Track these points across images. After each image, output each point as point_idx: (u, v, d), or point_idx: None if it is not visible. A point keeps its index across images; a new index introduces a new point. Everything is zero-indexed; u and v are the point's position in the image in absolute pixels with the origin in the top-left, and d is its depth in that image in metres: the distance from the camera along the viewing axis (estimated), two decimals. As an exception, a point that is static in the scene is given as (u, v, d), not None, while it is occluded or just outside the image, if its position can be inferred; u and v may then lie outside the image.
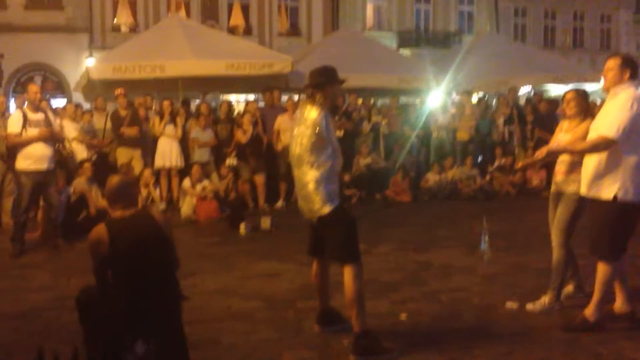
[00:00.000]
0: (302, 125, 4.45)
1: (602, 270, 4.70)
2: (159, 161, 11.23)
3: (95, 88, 12.74)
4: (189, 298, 4.22)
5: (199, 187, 10.38)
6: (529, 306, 5.28)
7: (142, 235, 3.62)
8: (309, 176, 4.40)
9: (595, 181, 4.68)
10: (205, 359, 4.34)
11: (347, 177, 11.79)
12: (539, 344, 4.54)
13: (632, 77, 4.68)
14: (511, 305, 5.38)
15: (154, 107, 12.40)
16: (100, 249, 3.57)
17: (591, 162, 4.72)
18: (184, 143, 11.41)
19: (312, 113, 4.41)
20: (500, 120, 13.72)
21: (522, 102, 15.97)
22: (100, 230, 3.61)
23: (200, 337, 4.71)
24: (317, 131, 4.34)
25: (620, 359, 4.28)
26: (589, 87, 11.84)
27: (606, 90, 4.79)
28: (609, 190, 4.60)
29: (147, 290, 3.56)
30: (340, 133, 12.04)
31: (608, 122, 4.57)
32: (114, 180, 3.87)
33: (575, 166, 5.06)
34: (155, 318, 3.58)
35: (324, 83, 4.49)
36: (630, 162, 4.55)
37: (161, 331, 3.58)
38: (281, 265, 7.03)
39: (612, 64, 4.73)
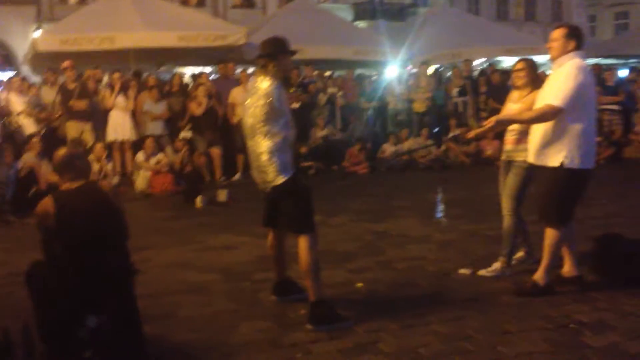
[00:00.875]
0: (254, 96, 4.40)
1: (550, 235, 4.82)
2: (111, 134, 11.03)
3: (43, 61, 12.38)
4: (143, 272, 4.18)
5: (153, 160, 10.24)
6: (482, 272, 5.39)
7: (89, 206, 3.55)
8: (262, 147, 4.37)
9: (543, 149, 4.77)
10: (160, 332, 4.31)
11: (303, 149, 11.79)
12: (491, 309, 4.63)
13: (578, 47, 4.75)
14: (464, 271, 5.48)
15: (104, 80, 12.12)
16: (47, 222, 3.49)
17: (538, 131, 4.80)
18: (137, 116, 11.21)
19: (264, 83, 4.37)
20: (454, 92, 13.87)
21: (477, 73, 16.15)
22: (46, 203, 3.53)
23: (155, 310, 4.67)
24: (269, 101, 4.30)
25: (568, 321, 4.39)
26: (541, 58, 11.99)
27: (552, 60, 4.85)
28: (555, 158, 4.69)
29: (96, 263, 3.50)
30: (296, 105, 11.99)
31: (554, 91, 4.64)
32: (61, 152, 3.78)
33: (524, 135, 5.14)
34: (106, 291, 3.53)
35: (275, 53, 4.45)
36: (576, 130, 4.64)
37: (113, 305, 3.54)
38: (238, 237, 7.01)
39: (558, 34, 4.79)
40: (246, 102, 4.49)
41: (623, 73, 17.56)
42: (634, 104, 13.97)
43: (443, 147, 12.93)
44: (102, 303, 3.54)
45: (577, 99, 4.58)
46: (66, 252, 3.48)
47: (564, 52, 4.75)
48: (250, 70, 13.36)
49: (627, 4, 36.70)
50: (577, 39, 4.75)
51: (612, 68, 15.58)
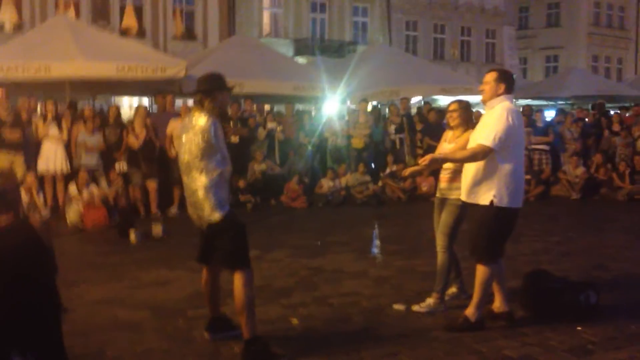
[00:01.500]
0: (190, 132, 4.39)
1: (480, 272, 4.94)
2: (43, 165, 10.74)
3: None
4: (72, 309, 4.08)
5: (85, 192, 10.00)
6: (415, 308, 5.47)
7: (17, 244, 3.44)
8: (198, 183, 4.35)
9: (474, 187, 4.92)
10: (88, 371, 4.19)
11: (242, 183, 11.75)
12: (423, 344, 4.70)
13: (508, 90, 4.96)
14: (398, 307, 5.54)
15: (38, 110, 11.84)
16: None
17: (470, 170, 4.96)
18: (70, 147, 10.96)
19: (200, 120, 4.37)
20: (392, 129, 14.16)
21: (414, 111, 16.55)
22: None
23: (84, 349, 4.54)
24: (205, 138, 4.30)
25: (498, 356, 4.50)
26: (476, 98, 12.40)
27: (484, 102, 5.05)
28: (485, 196, 4.85)
29: (23, 302, 3.39)
30: (235, 139, 12.00)
31: (485, 132, 4.82)
32: None
33: (457, 174, 5.30)
34: (32, 330, 3.41)
35: (212, 89, 4.47)
36: (505, 169, 4.82)
37: (39, 343, 3.42)
38: (172, 273, 6.89)
39: (489, 78, 5.00)
40: (182, 138, 4.47)
41: (551, 114, 18.33)
42: (562, 144, 14.56)
43: (380, 183, 13.13)
44: (28, 340, 3.41)
45: (506, 140, 4.76)
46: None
47: (495, 94, 4.94)
48: (190, 102, 13.31)
49: (557, 47, 38.43)
50: (507, 83, 4.96)
51: (541, 109, 16.25)
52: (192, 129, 4.37)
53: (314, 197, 12.55)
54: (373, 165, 13.96)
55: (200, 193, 4.34)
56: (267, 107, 15.45)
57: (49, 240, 3.66)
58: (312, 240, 8.82)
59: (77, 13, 22.65)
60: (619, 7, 40.36)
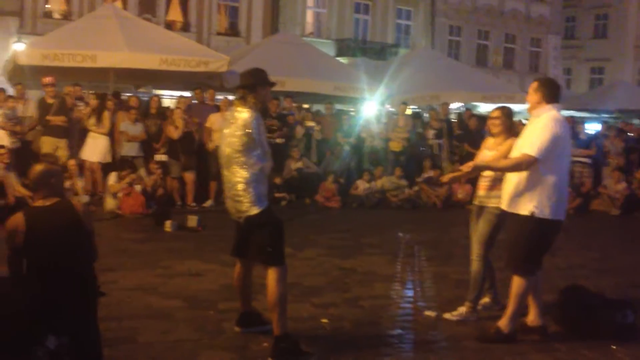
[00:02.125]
0: (232, 126, 4.42)
1: (516, 283, 4.87)
2: (86, 154, 10.94)
3: (23, 74, 12.29)
4: (107, 294, 4.13)
5: (125, 180, 10.14)
6: (447, 315, 5.41)
7: (60, 225, 3.51)
8: (238, 177, 4.38)
9: (515, 197, 4.85)
10: (119, 357, 4.24)
11: (278, 180, 11.79)
12: (453, 353, 4.65)
13: (554, 100, 4.88)
14: (429, 313, 5.50)
15: (83, 97, 12.07)
16: (17, 239, 3.44)
17: (512, 179, 4.88)
18: (113, 136, 11.15)
19: (242, 114, 4.40)
20: (430, 134, 14.06)
21: (453, 116, 16.40)
22: (17, 219, 3.48)
23: (116, 334, 4.61)
24: (247, 132, 4.33)
25: (529, 369, 4.43)
26: (517, 107, 12.23)
27: (530, 111, 4.97)
28: (526, 207, 4.77)
29: (61, 283, 3.45)
30: (280, 141, 12.05)
31: (530, 141, 4.74)
32: (37, 168, 3.73)
33: (497, 182, 5.24)
34: (69, 312, 3.47)
35: (255, 85, 4.49)
36: (548, 181, 4.73)
37: (74, 326, 3.48)
38: (205, 265, 6.95)
39: (535, 86, 4.92)
40: (224, 131, 4.51)
41: (595, 127, 18.00)
42: (604, 158, 14.28)
43: (416, 188, 13.04)
44: (64, 324, 3.47)
45: (551, 150, 4.68)
46: (32, 270, 3.43)
47: (540, 104, 4.86)
48: (231, 97, 13.41)
49: (603, 59, 37.73)
50: (553, 92, 4.88)
51: (583, 121, 15.97)
52: (235, 123, 4.41)
53: (349, 197, 12.53)
54: (410, 170, 13.85)
55: (240, 187, 4.37)
56: (306, 105, 15.45)
57: (90, 224, 3.71)
58: (344, 241, 8.80)
59: (124, 4, 23.00)
60: (669, 20, 39.41)
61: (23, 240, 3.43)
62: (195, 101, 12.82)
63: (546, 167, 4.70)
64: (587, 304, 5.22)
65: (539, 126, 4.76)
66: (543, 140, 4.66)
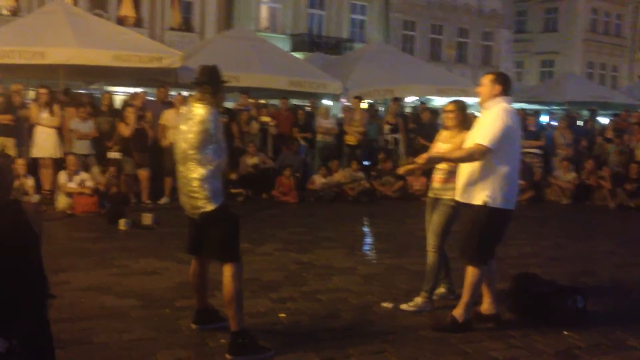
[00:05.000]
0: (189, 122, 4.39)
1: (470, 273, 4.95)
2: (35, 150, 10.68)
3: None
4: (58, 295, 4.05)
5: (77, 178, 9.95)
6: (403, 306, 5.47)
7: (6, 231, 3.38)
8: (194, 173, 4.34)
9: (468, 187, 4.93)
10: (74, 358, 4.16)
11: (233, 176, 11.72)
12: (410, 343, 4.70)
13: (504, 92, 4.97)
14: (386, 305, 5.55)
15: (31, 95, 11.78)
16: None
17: (465, 170, 4.97)
18: (63, 133, 10.91)
19: (201, 110, 4.37)
20: (387, 128, 14.16)
21: (408, 109, 16.57)
22: None
23: (70, 335, 4.51)
24: (205, 128, 4.31)
25: (485, 357, 4.51)
26: (470, 100, 12.39)
27: (481, 104, 5.06)
28: (479, 197, 4.85)
29: (9, 287, 3.35)
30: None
31: (482, 132, 4.83)
32: None
33: (451, 175, 5.31)
34: (18, 315, 3.38)
35: (216, 82, 4.50)
36: (500, 171, 4.82)
37: (24, 329, 3.39)
38: (160, 262, 6.87)
39: (485, 80, 5.02)
40: (181, 127, 4.46)
41: (544, 119, 18.39)
42: (553, 148, 14.61)
43: (372, 181, 13.12)
44: (13, 327, 3.38)
45: (503, 140, 4.77)
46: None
47: (491, 96, 4.95)
48: (185, 93, 13.26)
49: (553, 52, 38.57)
50: (503, 85, 4.97)
51: (535, 113, 16.28)
52: (192, 119, 4.37)
53: (306, 192, 12.54)
54: (366, 162, 13.95)
55: (196, 183, 4.34)
56: (261, 101, 15.38)
57: (39, 226, 3.60)
58: (302, 236, 8.81)
59: (75, 0, 22.53)
60: (616, 14, 40.57)
61: None
62: (153, 98, 12.62)
63: (498, 158, 4.79)
64: (538, 291, 5.35)
65: (491, 117, 4.86)
66: (495, 131, 4.75)
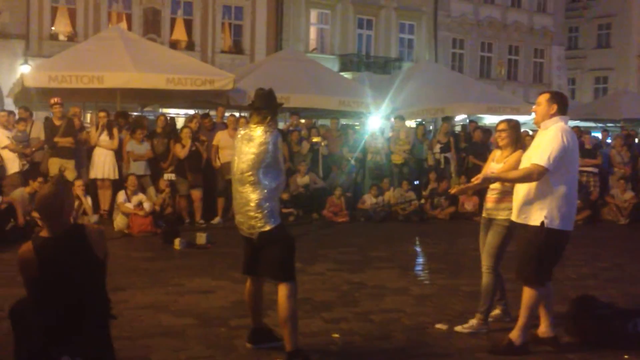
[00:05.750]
0: (250, 143, 4.49)
1: (527, 295, 4.87)
2: (94, 171, 11.01)
3: (30, 96, 12.41)
4: (118, 314, 4.14)
5: (134, 199, 10.19)
6: (458, 328, 5.40)
7: (70, 257, 3.47)
8: (254, 194, 4.43)
9: (525, 208, 4.87)
10: (133, 375, 4.26)
11: (285, 196, 11.82)
12: (466, 366, 4.65)
13: (561, 111, 4.91)
14: (441, 326, 5.49)
15: (88, 118, 12.16)
16: (29, 271, 3.43)
17: (522, 190, 4.91)
18: (120, 155, 11.22)
19: (264, 132, 4.48)
20: (437, 147, 14.09)
21: (458, 129, 16.43)
22: (27, 252, 3.44)
23: (130, 353, 4.62)
24: (269, 150, 4.42)
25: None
26: (522, 118, 12.25)
27: (537, 124, 5.01)
28: (536, 217, 4.79)
29: (74, 308, 3.46)
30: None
31: (540, 152, 4.76)
32: (44, 190, 3.63)
33: (505, 194, 5.25)
34: (83, 334, 3.49)
35: (273, 105, 4.62)
36: (558, 191, 4.75)
37: (87, 346, 3.49)
38: (215, 281, 6.97)
39: (542, 99, 4.97)
40: (242, 149, 4.55)
41: (598, 136, 17.97)
42: (610, 167, 14.27)
43: (422, 201, 13.05)
44: (77, 344, 3.49)
45: (561, 160, 4.70)
46: (46, 295, 3.43)
47: (548, 115, 4.90)
48: (237, 115, 13.48)
49: (607, 69, 37.75)
50: (559, 104, 4.91)
51: (589, 131, 15.95)
52: (253, 141, 4.47)
53: (357, 212, 12.54)
54: (417, 182, 13.89)
55: (254, 204, 4.42)
56: (312, 121, 15.50)
57: (103, 249, 3.64)
58: (353, 255, 8.81)
59: (129, 25, 23.23)
60: (672, 28, 39.43)
61: (35, 271, 3.41)
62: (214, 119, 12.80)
63: (555, 178, 4.72)
64: (598, 314, 5.21)
65: (548, 137, 4.79)
66: (553, 151, 4.69)
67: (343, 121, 17.22)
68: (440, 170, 13.79)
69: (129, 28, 22.43)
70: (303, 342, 4.64)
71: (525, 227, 4.86)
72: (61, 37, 23.14)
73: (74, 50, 13.91)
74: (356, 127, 16.06)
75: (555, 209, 4.74)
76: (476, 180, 4.98)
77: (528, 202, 4.84)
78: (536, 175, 4.72)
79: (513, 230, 5.13)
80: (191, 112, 15.79)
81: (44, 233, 3.55)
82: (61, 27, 23.39)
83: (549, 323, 5.07)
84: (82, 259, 3.52)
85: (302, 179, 12.64)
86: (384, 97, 15.52)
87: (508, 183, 5.14)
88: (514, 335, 4.89)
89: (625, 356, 4.87)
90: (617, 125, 20.50)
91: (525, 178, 4.81)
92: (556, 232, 4.75)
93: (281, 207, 11.10)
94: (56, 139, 10.71)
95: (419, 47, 30.38)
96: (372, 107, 15.14)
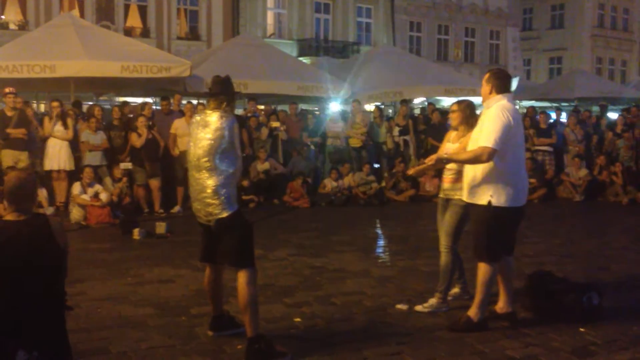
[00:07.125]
0: (205, 129, 4.44)
1: (481, 271, 4.95)
2: (48, 163, 10.78)
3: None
4: (76, 305, 4.09)
5: (90, 191, 10.02)
6: (418, 308, 5.47)
7: (30, 243, 3.41)
8: (210, 180, 4.39)
9: (473, 188, 4.94)
10: (92, 368, 4.21)
11: (245, 183, 11.76)
12: (426, 344, 4.71)
13: (500, 89, 4.95)
14: (401, 307, 5.55)
15: (42, 108, 11.89)
16: None
17: (470, 170, 4.98)
18: (75, 146, 11.00)
19: (219, 118, 4.43)
20: (396, 130, 14.17)
21: (417, 111, 16.55)
22: None
23: (89, 345, 4.57)
24: (224, 136, 4.37)
25: (501, 356, 4.51)
26: (478, 100, 12.34)
27: (483, 103, 5.06)
28: (483, 196, 4.87)
29: (29, 299, 3.39)
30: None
31: (485, 133, 4.80)
32: (12, 176, 3.57)
33: (461, 174, 5.30)
34: (38, 327, 3.42)
35: (229, 92, 4.58)
36: (503, 169, 4.82)
37: (44, 341, 3.43)
38: (175, 270, 6.91)
39: (486, 78, 5.02)
40: (197, 136, 4.50)
41: (554, 116, 18.30)
42: (565, 146, 14.55)
43: (383, 183, 13.13)
44: (33, 338, 3.42)
45: (506, 138, 4.75)
46: (2, 281, 3.35)
47: (488, 95, 4.95)
48: (195, 102, 13.34)
49: (561, 49, 38.40)
50: (501, 81, 4.95)
51: (545, 111, 16.22)
52: (208, 127, 4.43)
53: (317, 197, 12.56)
54: (377, 165, 13.97)
55: (211, 190, 4.38)
56: (271, 106, 15.43)
57: (64, 240, 3.59)
58: (315, 240, 8.83)
59: (82, 12, 22.71)
60: (624, 9, 40.31)
61: None
62: (158, 107, 12.69)
63: (500, 156, 4.77)
64: (554, 289, 5.34)
65: (490, 116, 4.84)
66: (497, 130, 4.73)
67: (302, 106, 17.18)
68: (400, 153, 13.89)
69: (82, 15, 21.91)
70: (265, 327, 4.65)
71: (475, 206, 4.94)
72: (12, 26, 22.56)
73: (25, 38, 13.52)
74: (316, 112, 16.03)
75: (501, 187, 4.82)
76: (429, 161, 5.03)
77: (475, 182, 4.91)
78: (486, 156, 4.75)
79: (469, 209, 5.20)
80: (148, 100, 15.53)
81: (8, 217, 3.50)
82: (11, 15, 22.79)
83: (507, 299, 5.17)
84: (45, 245, 3.47)
85: (262, 165, 12.59)
86: (343, 81, 15.52)
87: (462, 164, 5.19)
88: (472, 312, 4.98)
89: (581, 329, 4.99)
90: (572, 104, 20.90)
91: (476, 159, 4.84)
92: (503, 209, 4.83)
93: (242, 194, 11.25)
94: (8, 130, 10.44)
95: (377, 30, 30.45)
96: (332, 92, 15.13)
